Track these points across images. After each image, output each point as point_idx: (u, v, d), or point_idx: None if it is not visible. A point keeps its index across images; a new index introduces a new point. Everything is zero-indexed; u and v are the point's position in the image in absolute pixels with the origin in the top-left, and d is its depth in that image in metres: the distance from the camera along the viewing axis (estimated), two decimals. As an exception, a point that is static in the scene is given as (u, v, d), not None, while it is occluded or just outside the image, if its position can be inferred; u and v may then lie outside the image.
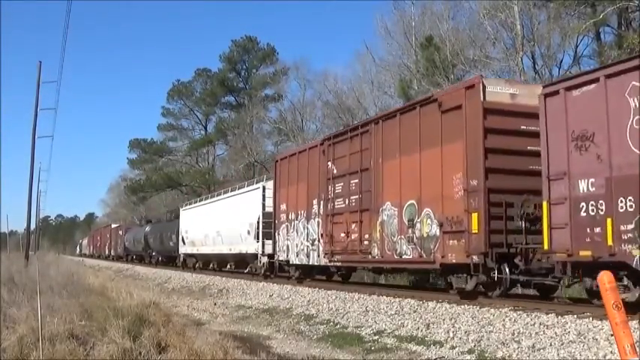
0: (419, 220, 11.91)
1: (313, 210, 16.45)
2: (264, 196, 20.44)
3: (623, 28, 20.83)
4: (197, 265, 28.34)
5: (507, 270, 10.40)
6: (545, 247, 9.26)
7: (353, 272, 17.96)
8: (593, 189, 8.62)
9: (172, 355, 6.68)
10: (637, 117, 8.09)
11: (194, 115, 57.62)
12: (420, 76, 26.14)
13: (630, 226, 8.07)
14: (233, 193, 24.66)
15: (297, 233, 17.34)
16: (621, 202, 8.22)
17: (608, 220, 8.30)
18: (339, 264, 15.56)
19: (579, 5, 20.77)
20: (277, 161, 19.64)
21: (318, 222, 16.12)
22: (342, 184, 15.01)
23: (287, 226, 18.04)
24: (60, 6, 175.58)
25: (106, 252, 56.87)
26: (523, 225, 10.28)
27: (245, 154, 41.38)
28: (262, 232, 19.94)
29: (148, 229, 40.34)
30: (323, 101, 36.42)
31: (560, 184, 9.10)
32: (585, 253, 8.64)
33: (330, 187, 15.47)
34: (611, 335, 5.91)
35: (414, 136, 12.15)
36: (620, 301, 3.89)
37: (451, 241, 11.03)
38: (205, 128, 56.99)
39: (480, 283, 10.87)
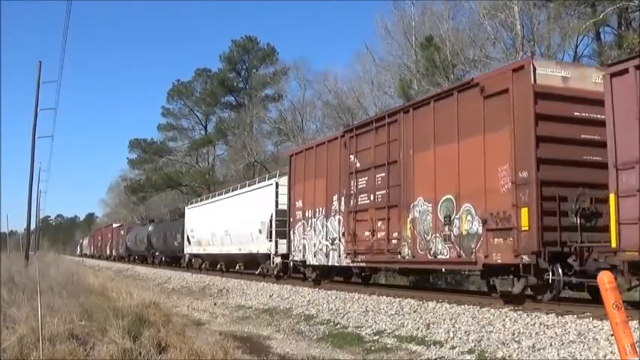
0: (457, 217, 10.90)
1: (333, 207, 15.42)
2: (277, 192, 19.26)
3: (623, 28, 20.84)
4: (203, 266, 27.49)
5: (560, 271, 9.34)
6: (613, 244, 8.29)
7: (375, 274, 17.10)
8: None
9: (172, 356, 6.68)
10: None
11: (194, 115, 57.70)
12: (420, 76, 26.13)
13: None
14: (243, 190, 23.41)
15: (315, 232, 16.33)
16: None
17: None
18: (363, 264, 14.51)
19: (579, 5, 20.77)
20: (292, 155, 18.44)
21: (339, 219, 15.09)
22: (366, 178, 13.98)
23: (303, 224, 17.01)
24: (60, 6, 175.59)
25: (108, 252, 56.63)
26: (578, 221, 9.38)
27: (245, 154, 41.37)
28: (275, 230, 18.97)
29: (150, 228, 39.75)
30: (323, 101, 36.45)
31: (631, 174, 8.10)
32: None
33: (352, 182, 14.44)
34: (612, 335, 5.90)
35: (451, 124, 11.13)
36: (621, 301, 3.89)
37: (496, 240, 10.00)
38: (205, 128, 57.03)
39: (529, 286, 9.84)
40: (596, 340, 7.08)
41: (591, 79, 10.06)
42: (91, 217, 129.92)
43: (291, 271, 18.42)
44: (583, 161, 9.68)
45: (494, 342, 7.71)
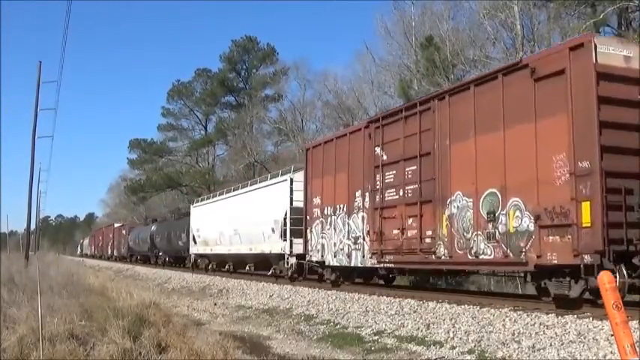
0: (503, 213, 9.90)
1: (356, 203, 14.40)
2: (291, 189, 18.14)
3: (623, 28, 20.81)
4: (210, 267, 26.49)
5: (625, 272, 8.41)
6: None
7: (404, 275, 16.22)
8: None
9: (172, 356, 6.68)
10: None
11: (194, 115, 57.67)
12: (420, 76, 26.16)
13: None
14: (254, 187, 22.16)
15: (336, 230, 15.28)
16: None
17: None
18: (390, 265, 13.43)
19: (579, 5, 20.76)
20: (309, 149, 17.34)
21: (363, 217, 14.06)
22: (394, 172, 12.97)
23: (322, 222, 15.97)
24: (60, 6, 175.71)
25: (109, 252, 56.21)
26: None
27: (245, 154, 41.39)
28: (290, 229, 17.88)
29: (154, 228, 38.66)
30: (323, 101, 36.49)
31: None
32: None
33: (378, 176, 13.44)
34: (611, 335, 5.90)
35: (496, 111, 10.16)
36: (621, 301, 3.89)
37: (551, 238, 9.02)
38: (205, 128, 57.02)
39: (589, 289, 8.87)
40: (596, 340, 7.08)
41: None
42: (91, 217, 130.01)
43: (306, 273, 17.43)
44: None
45: (494, 342, 7.72)
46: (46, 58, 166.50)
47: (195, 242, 28.18)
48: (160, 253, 37.08)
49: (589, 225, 8.47)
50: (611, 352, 6.42)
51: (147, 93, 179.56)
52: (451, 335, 8.41)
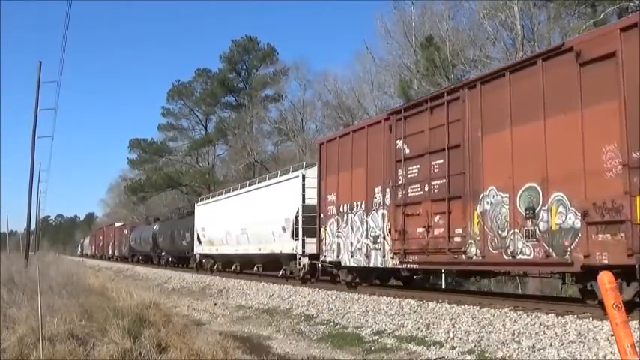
0: (545, 209, 9.15)
1: (375, 200, 13.56)
2: (303, 186, 17.32)
3: (623, 28, 20.82)
4: (215, 267, 25.72)
5: None
6: None
7: (430, 276, 15.53)
8: None
9: (172, 355, 6.67)
10: None
11: (194, 115, 57.76)
12: (420, 76, 26.18)
13: None
14: (263, 184, 21.22)
15: (353, 229, 14.43)
16: None
17: None
18: (415, 266, 12.61)
19: (579, 5, 20.78)
20: (323, 144, 16.46)
21: (383, 214, 13.23)
22: (417, 166, 12.23)
23: (337, 220, 15.12)
24: (60, 6, 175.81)
25: (110, 252, 55.81)
26: None
27: (245, 154, 41.44)
28: (302, 228, 17.02)
29: (156, 227, 37.81)
30: (323, 101, 36.57)
31: None
32: None
33: (400, 171, 12.66)
34: (611, 335, 5.91)
35: (535, 99, 9.43)
36: (620, 301, 3.89)
37: (601, 236, 8.29)
38: (205, 128, 57.07)
39: None
40: (596, 340, 7.08)
41: None
42: (91, 217, 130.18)
43: (319, 273, 16.61)
44: None
45: (494, 342, 7.71)
46: (46, 58, 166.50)
47: (199, 242, 27.42)
48: (163, 253, 36.41)
49: None
50: (611, 352, 6.42)
51: (147, 93, 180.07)
52: (451, 335, 8.41)
